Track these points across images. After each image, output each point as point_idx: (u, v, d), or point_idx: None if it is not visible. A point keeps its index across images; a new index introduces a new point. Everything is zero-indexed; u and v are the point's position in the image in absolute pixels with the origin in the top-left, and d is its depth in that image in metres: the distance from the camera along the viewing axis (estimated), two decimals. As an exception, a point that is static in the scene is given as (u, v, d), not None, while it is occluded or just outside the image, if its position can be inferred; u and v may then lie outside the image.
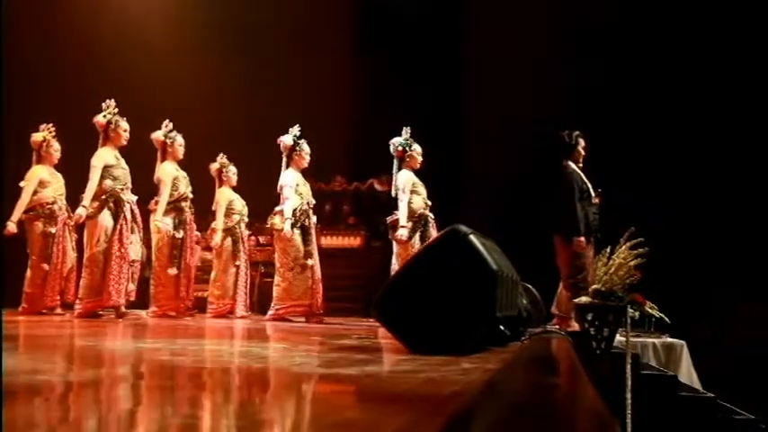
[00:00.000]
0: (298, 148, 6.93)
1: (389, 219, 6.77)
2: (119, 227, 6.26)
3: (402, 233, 6.44)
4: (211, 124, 7.81)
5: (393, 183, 6.77)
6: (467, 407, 1.72)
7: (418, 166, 6.84)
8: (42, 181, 6.84)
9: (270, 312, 6.84)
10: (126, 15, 9.41)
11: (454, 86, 9.36)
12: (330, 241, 8.98)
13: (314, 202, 7.02)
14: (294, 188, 6.81)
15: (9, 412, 1.43)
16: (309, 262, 6.74)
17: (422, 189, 6.78)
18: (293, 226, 6.71)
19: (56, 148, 6.99)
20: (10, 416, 1.39)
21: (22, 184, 6.82)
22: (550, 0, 9.04)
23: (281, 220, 6.70)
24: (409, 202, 6.59)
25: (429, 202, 6.76)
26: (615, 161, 7.89)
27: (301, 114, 7.42)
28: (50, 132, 7.03)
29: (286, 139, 6.98)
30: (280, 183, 6.93)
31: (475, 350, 3.05)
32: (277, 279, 6.84)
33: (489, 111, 8.24)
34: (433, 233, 6.53)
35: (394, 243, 6.58)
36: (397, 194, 6.68)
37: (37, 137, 6.99)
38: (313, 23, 9.49)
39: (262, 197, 7.68)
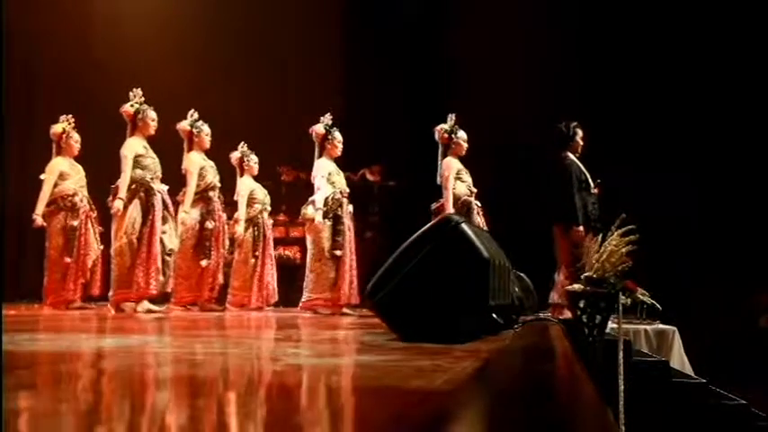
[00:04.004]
0: (330, 137, 6.76)
1: (434, 205, 6.58)
2: (150, 218, 6.05)
3: None
4: (217, 117, 7.70)
5: (438, 169, 6.59)
6: (459, 395, 1.69)
7: (463, 152, 6.67)
8: (63, 173, 6.73)
9: (301, 301, 6.67)
10: (141, 13, 9.34)
11: (448, 76, 9.30)
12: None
13: (348, 190, 6.83)
14: (326, 177, 6.64)
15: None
16: (338, 253, 6.57)
17: (466, 176, 6.61)
18: (325, 215, 6.59)
19: (76, 140, 6.86)
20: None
21: (42, 176, 6.70)
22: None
23: (314, 210, 6.56)
24: (453, 189, 6.48)
25: (474, 189, 6.59)
26: (612, 151, 7.88)
27: (293, 107, 7.32)
28: (70, 124, 6.89)
29: (318, 128, 6.78)
30: (312, 173, 6.77)
31: (468, 339, 3.01)
32: (308, 270, 6.70)
33: (480, 102, 8.20)
34: (478, 220, 6.39)
35: None
36: (441, 181, 6.52)
37: (56, 128, 6.84)
38: (305, 20, 9.47)
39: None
